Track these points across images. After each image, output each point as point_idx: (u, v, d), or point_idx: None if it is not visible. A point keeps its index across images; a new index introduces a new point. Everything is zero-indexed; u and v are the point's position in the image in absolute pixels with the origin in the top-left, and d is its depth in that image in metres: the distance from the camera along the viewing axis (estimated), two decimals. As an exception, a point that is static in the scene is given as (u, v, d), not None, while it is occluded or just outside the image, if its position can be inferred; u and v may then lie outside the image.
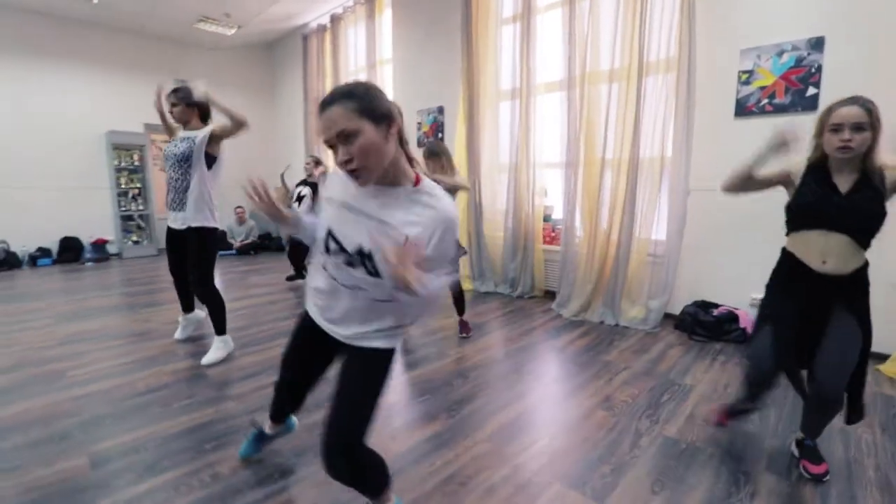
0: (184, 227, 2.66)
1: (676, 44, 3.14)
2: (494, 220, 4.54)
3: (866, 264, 1.60)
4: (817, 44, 2.75)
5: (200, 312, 3.16)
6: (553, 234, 4.22)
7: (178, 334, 3.11)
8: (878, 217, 1.51)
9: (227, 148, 2.76)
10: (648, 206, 3.38)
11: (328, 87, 6.53)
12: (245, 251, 6.74)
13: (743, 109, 3.06)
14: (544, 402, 2.30)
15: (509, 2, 4.19)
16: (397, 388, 2.42)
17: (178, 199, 2.65)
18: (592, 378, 2.53)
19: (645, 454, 1.83)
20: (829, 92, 2.71)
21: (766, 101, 2.96)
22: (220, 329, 2.76)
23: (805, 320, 1.62)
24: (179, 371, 2.61)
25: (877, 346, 1.74)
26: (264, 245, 7.04)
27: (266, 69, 7.94)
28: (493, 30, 4.31)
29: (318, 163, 4.54)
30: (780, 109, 2.91)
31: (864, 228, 1.54)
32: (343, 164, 1.09)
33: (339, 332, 1.28)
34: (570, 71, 3.73)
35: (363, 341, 1.26)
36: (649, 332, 3.28)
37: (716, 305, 3.23)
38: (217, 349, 2.74)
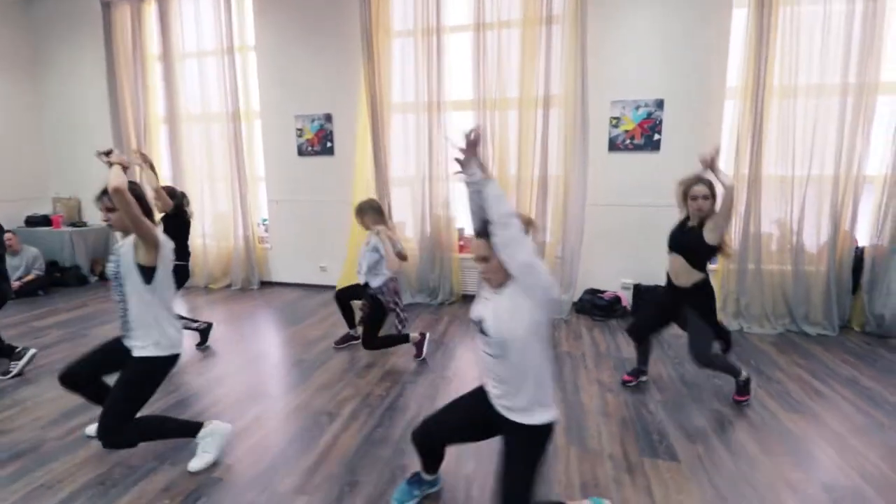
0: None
1: (572, 83, 3.92)
2: (405, 232, 4.67)
3: (705, 279, 2.55)
4: (660, 104, 3.95)
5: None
6: (462, 244, 4.65)
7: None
8: (697, 248, 2.46)
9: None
10: (552, 216, 4.18)
11: (151, 71, 5.18)
12: (28, 291, 4.80)
13: (614, 146, 4.11)
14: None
15: (415, 16, 4.25)
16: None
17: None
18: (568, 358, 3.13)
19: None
20: (667, 137, 3.97)
21: (628, 140, 4.07)
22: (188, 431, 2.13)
23: (664, 311, 2.74)
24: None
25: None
26: (55, 279, 5.14)
27: (21, 35, 5.61)
28: (397, 41, 4.36)
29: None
30: (637, 148, 4.06)
31: (689, 254, 2.49)
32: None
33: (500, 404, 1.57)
34: (479, 93, 4.17)
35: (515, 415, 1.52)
36: (564, 320, 4.12)
37: (601, 291, 4.28)
38: (203, 451, 2.15)
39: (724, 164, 3.89)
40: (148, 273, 1.94)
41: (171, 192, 3.36)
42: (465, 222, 4.65)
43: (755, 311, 3.81)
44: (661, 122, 3.97)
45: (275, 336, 3.86)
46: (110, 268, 2.00)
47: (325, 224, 5.03)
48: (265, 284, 5.33)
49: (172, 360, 2.05)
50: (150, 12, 5.04)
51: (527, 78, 4.03)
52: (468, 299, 4.62)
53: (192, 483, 1.99)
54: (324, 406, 2.64)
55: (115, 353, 2.04)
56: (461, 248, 4.63)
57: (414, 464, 1.99)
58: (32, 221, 5.47)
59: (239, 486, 1.98)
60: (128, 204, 1.80)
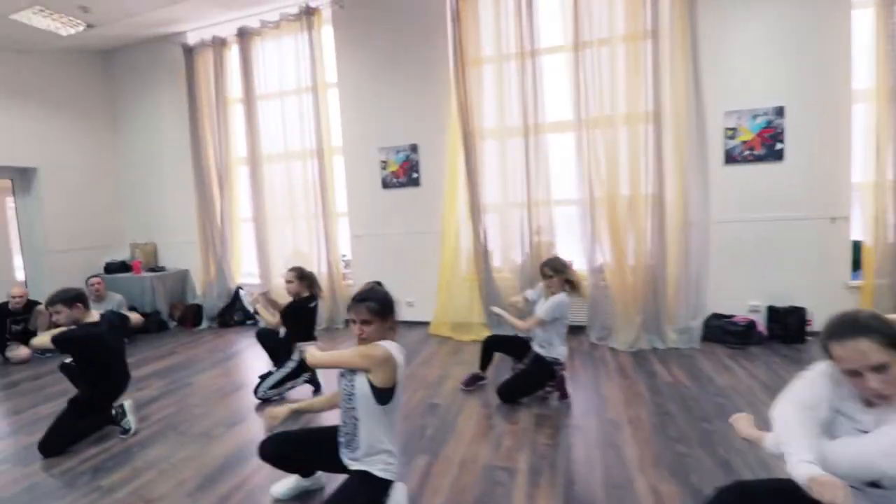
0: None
1: (682, 96, 3.74)
2: (504, 259, 4.44)
3: None
4: (780, 111, 3.73)
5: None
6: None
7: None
8: None
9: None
10: (671, 236, 3.90)
11: (232, 113, 5.20)
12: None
13: (731, 158, 3.87)
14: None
15: (503, 40, 4.18)
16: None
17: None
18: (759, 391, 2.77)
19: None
20: (791, 146, 3.71)
21: (747, 151, 3.83)
22: None
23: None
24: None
25: None
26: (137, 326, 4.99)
27: (102, 84, 5.75)
28: (488, 65, 4.26)
29: (302, 277, 3.45)
30: (758, 159, 3.81)
31: None
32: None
33: None
34: (578, 113, 4.01)
35: None
36: (695, 349, 3.77)
37: (727, 316, 3.93)
38: None
39: (858, 170, 3.63)
40: (384, 395, 1.78)
41: (301, 275, 3.43)
42: (565, 248, 4.40)
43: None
44: (782, 130, 3.73)
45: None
46: (344, 386, 1.83)
47: (411, 257, 4.83)
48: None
49: (388, 487, 1.84)
50: (232, 56, 5.11)
51: (632, 93, 3.87)
52: (573, 329, 4.30)
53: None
54: (492, 459, 2.33)
55: (328, 445, 1.92)
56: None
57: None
58: (112, 268, 5.40)
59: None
60: (341, 363, 1.89)
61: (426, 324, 4.79)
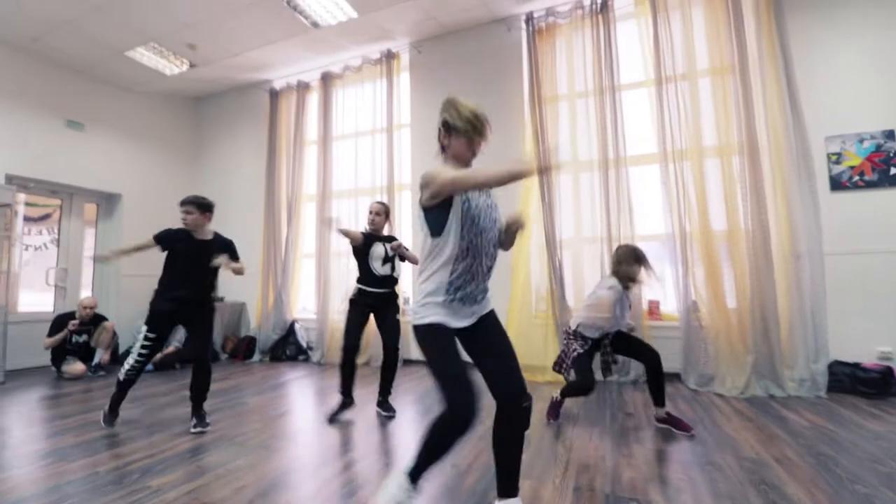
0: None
1: (779, 125, 3.56)
2: (577, 297, 4.09)
3: None
4: (890, 134, 3.47)
5: None
6: (651, 310, 3.98)
7: None
8: None
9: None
10: (780, 270, 3.49)
11: (308, 152, 5.45)
12: (165, 364, 4.48)
13: (838, 184, 3.56)
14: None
15: (588, 77, 4.22)
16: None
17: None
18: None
19: None
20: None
21: (857, 177, 3.52)
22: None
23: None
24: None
25: None
26: (187, 355, 4.85)
27: (192, 125, 6.29)
28: (564, 102, 4.30)
29: (388, 213, 3.22)
30: (870, 185, 3.48)
31: None
32: None
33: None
34: (664, 146, 3.87)
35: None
36: (821, 397, 3.17)
37: (853, 364, 3.34)
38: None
39: None
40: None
41: (388, 212, 3.24)
42: (651, 286, 4.02)
43: None
44: (894, 153, 3.43)
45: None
46: (492, 212, 1.69)
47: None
48: (407, 363, 4.75)
49: None
50: (313, 99, 5.47)
51: (721, 125, 3.73)
52: (670, 377, 3.77)
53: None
54: (615, 489, 1.87)
55: None
56: (650, 314, 3.95)
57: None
58: (174, 297, 5.41)
59: None
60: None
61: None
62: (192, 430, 2.61)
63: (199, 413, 2.71)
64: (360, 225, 4.93)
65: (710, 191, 3.74)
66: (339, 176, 5.22)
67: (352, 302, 3.06)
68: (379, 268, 3.04)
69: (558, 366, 2.80)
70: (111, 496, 1.85)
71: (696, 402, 3.20)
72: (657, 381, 2.56)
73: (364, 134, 5.16)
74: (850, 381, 3.24)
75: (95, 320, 4.38)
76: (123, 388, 2.74)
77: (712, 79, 3.83)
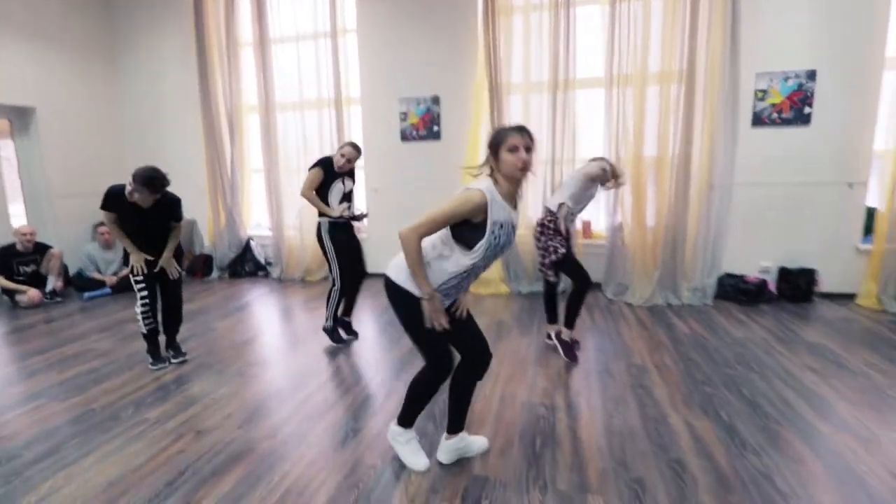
0: None
1: (718, 56, 3.70)
2: (522, 215, 4.45)
3: None
4: (812, 74, 3.72)
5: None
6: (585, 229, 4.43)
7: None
8: None
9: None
10: (695, 198, 3.94)
11: (244, 58, 4.97)
12: (125, 286, 4.58)
13: (759, 120, 3.87)
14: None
15: None
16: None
17: None
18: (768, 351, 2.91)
19: None
20: (819, 110, 3.73)
21: (776, 115, 3.83)
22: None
23: None
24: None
25: None
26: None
27: (105, 27, 5.41)
28: (518, 16, 4.12)
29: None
30: (786, 122, 3.82)
31: None
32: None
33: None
34: (610, 70, 3.94)
35: None
36: (708, 305, 3.90)
37: (738, 275, 4.04)
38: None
39: (881, 138, 3.68)
40: None
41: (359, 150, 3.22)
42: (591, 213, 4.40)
43: (924, 292, 3.59)
44: (812, 94, 3.73)
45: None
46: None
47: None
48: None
49: None
50: (244, -3, 4.83)
51: (667, 51, 3.81)
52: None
53: (459, 481, 1.78)
54: (530, 397, 2.42)
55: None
56: (584, 233, 4.42)
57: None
58: (117, 216, 5.25)
59: (511, 485, 1.76)
60: None
61: (441, 279, 4.84)
62: (172, 360, 2.91)
63: (174, 345, 2.99)
64: (308, 140, 4.85)
65: (648, 119, 3.96)
66: (282, 86, 4.89)
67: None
68: (335, 204, 3.15)
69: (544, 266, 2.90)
70: (115, 431, 2.18)
71: (609, 311, 3.84)
72: (578, 303, 2.94)
73: (306, 38, 4.74)
74: (733, 290, 3.96)
75: (39, 248, 4.29)
76: (151, 337, 2.89)
77: (665, 1, 3.79)
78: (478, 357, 1.83)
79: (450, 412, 1.89)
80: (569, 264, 2.85)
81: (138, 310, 2.82)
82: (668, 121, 3.90)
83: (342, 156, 3.05)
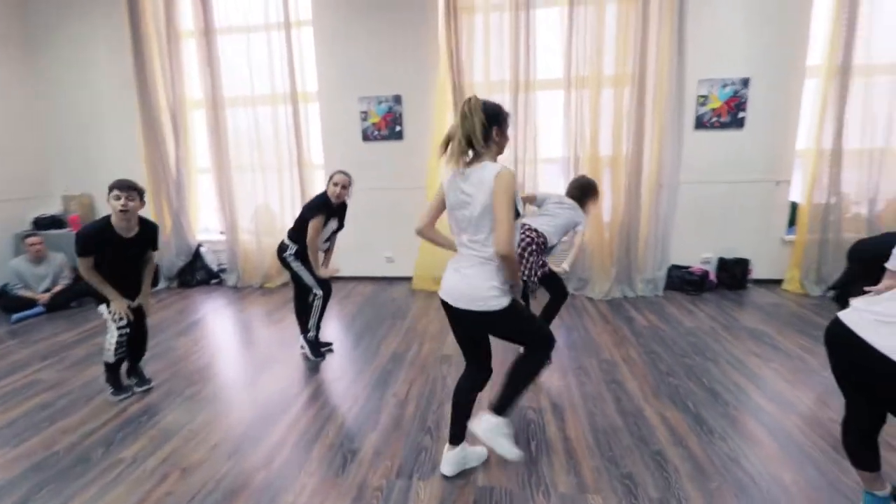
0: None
1: (666, 61, 3.94)
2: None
3: None
4: (746, 82, 4.07)
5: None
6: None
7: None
8: None
9: None
10: (646, 196, 4.22)
11: (187, 48, 4.57)
12: (59, 304, 4.14)
13: (700, 123, 4.20)
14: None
15: None
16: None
17: None
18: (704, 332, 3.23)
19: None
20: (751, 115, 4.10)
21: (715, 119, 4.17)
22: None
23: None
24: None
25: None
26: (83, 289, 4.47)
27: (17, 14, 4.70)
28: (479, 16, 4.13)
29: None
30: (723, 126, 4.17)
31: None
32: None
33: None
34: (568, 72, 4.09)
35: None
36: (659, 296, 4.23)
37: (684, 267, 4.42)
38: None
39: (803, 139, 4.13)
40: None
41: None
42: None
43: (835, 277, 4.10)
44: (746, 100, 4.10)
45: (397, 334, 3.58)
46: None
47: (392, 212, 4.75)
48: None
49: None
50: (182, -19, 4.42)
51: (621, 55, 4.00)
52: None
53: (466, 494, 1.85)
54: (523, 401, 2.53)
55: None
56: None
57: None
58: (42, 223, 4.70)
59: (516, 493, 1.86)
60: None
61: (408, 279, 4.84)
62: (136, 389, 2.71)
63: (137, 371, 2.78)
64: (262, 137, 4.59)
65: (603, 120, 4.16)
66: (231, 79, 4.57)
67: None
68: (322, 245, 3.04)
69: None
70: (88, 476, 2.01)
71: (573, 306, 4.05)
72: (555, 312, 3.02)
73: (258, 29, 4.44)
74: (679, 281, 4.32)
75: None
76: (115, 366, 2.63)
77: (618, 6, 3.96)
78: (485, 364, 1.92)
79: (452, 422, 1.95)
80: (551, 279, 2.96)
81: (112, 340, 2.56)
82: (621, 122, 4.13)
83: (335, 184, 2.90)
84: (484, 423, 1.83)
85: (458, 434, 1.94)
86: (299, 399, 2.63)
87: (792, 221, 4.29)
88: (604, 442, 2.16)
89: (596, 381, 2.73)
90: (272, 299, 4.49)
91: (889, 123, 3.84)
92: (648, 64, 3.97)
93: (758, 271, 4.38)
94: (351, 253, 4.86)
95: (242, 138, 4.67)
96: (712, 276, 4.36)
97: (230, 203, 4.80)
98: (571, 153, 4.21)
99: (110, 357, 2.59)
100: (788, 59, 3.99)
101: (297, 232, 2.95)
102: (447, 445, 1.97)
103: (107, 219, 2.41)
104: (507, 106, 4.09)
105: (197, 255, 4.91)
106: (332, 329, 3.67)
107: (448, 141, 1.70)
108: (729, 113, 4.14)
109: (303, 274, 3.01)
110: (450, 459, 1.95)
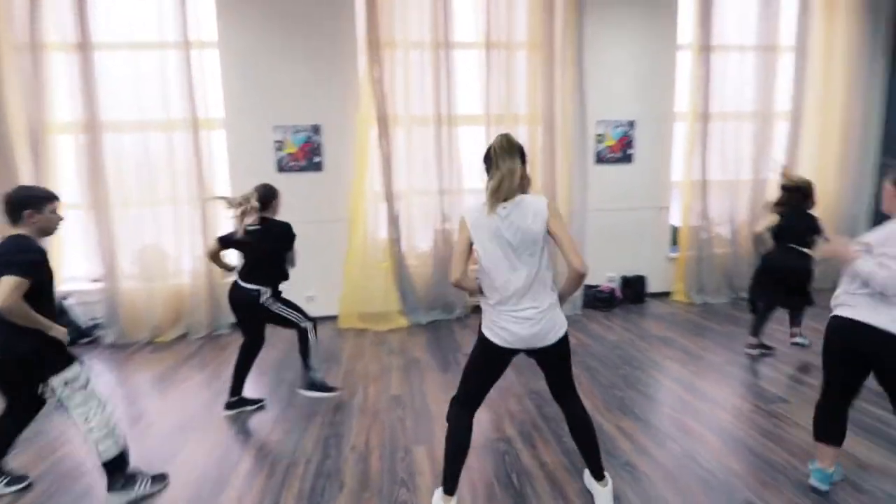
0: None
1: (570, 104, 4.41)
2: (416, 248, 4.50)
3: None
4: (632, 124, 4.72)
5: None
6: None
7: None
8: None
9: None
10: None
11: (53, 62, 3.82)
12: None
13: (599, 158, 4.73)
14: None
15: (424, 28, 4.18)
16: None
17: None
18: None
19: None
20: (637, 152, 4.76)
21: (610, 154, 4.75)
22: None
23: None
24: None
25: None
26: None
27: None
28: (399, 51, 4.19)
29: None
30: (616, 161, 4.74)
31: None
32: None
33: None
34: (488, 109, 4.36)
35: None
36: (578, 314, 4.56)
37: (594, 286, 4.85)
38: None
39: (677, 172, 4.91)
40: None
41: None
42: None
43: (711, 287, 4.86)
44: (633, 139, 4.77)
45: (335, 380, 3.24)
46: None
47: (313, 247, 4.40)
48: (236, 326, 4.42)
49: None
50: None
51: (531, 97, 4.38)
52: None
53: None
54: (485, 433, 2.47)
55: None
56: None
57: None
58: None
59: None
60: None
61: (332, 318, 4.51)
62: (5, 490, 2.04)
63: (3, 468, 2.10)
64: (153, 167, 4.00)
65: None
66: (113, 101, 3.92)
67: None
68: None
69: None
70: None
71: (507, 331, 4.16)
72: None
73: (150, 46, 3.91)
74: (592, 299, 4.73)
75: None
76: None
77: (528, 53, 4.35)
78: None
79: (453, 470, 1.79)
80: None
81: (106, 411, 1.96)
82: (536, 157, 4.48)
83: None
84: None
85: (456, 483, 1.79)
86: (239, 469, 2.23)
87: (674, 241, 5.03)
88: (578, 461, 2.18)
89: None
90: (167, 356, 3.80)
91: (738, 159, 4.78)
92: (556, 105, 4.40)
93: (652, 286, 5.01)
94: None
95: (126, 168, 4.01)
96: (618, 293, 4.86)
97: (109, 244, 4.04)
98: (493, 184, 4.41)
99: (117, 441, 1.96)
100: (663, 106, 4.77)
101: (263, 271, 2.65)
102: (442, 496, 1.80)
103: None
104: (430, 139, 4.30)
105: (62, 311, 3.98)
106: (258, 383, 3.22)
107: (500, 182, 1.67)
108: (621, 149, 4.77)
109: (285, 313, 2.70)
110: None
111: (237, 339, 2.89)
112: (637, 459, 2.20)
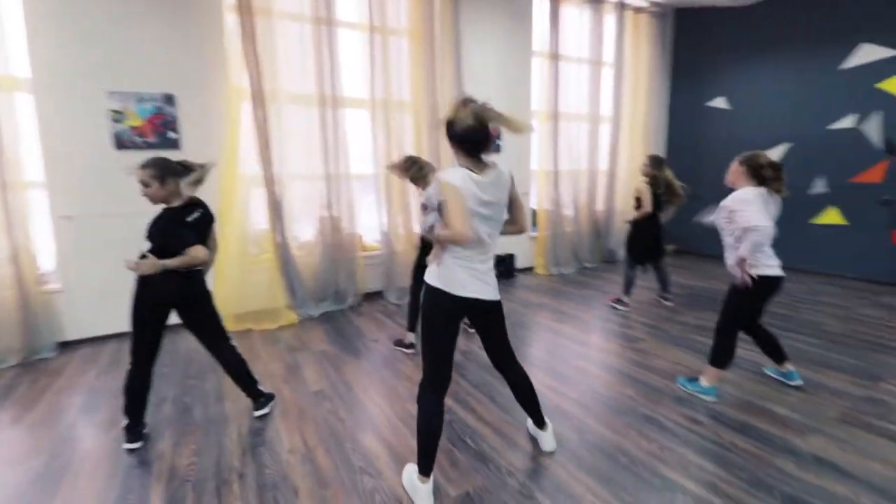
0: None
1: (451, 92, 4.62)
2: (299, 238, 4.16)
3: None
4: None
5: None
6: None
7: None
8: None
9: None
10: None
11: None
12: None
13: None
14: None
15: (304, 2, 3.86)
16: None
17: None
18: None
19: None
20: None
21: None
22: None
23: None
24: None
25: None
26: None
27: None
28: (279, 23, 3.79)
29: None
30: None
31: None
32: None
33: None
34: (373, 93, 4.30)
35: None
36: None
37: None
38: None
39: (535, 161, 5.60)
40: None
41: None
42: (363, 226, 4.57)
43: (563, 259, 5.73)
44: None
45: (231, 386, 2.81)
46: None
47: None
48: (67, 346, 3.41)
49: None
50: None
51: (416, 82, 4.46)
52: (371, 296, 4.61)
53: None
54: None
55: None
56: (362, 248, 4.56)
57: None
58: None
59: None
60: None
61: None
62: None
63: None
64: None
65: (406, 140, 4.51)
66: None
67: None
68: None
69: None
70: None
71: (400, 315, 4.18)
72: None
73: None
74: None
75: None
76: None
77: (410, 40, 4.41)
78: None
79: (430, 455, 1.80)
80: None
81: None
82: (422, 144, 4.58)
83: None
84: None
85: (433, 463, 1.80)
86: (153, 505, 1.81)
87: (534, 223, 5.76)
88: (517, 414, 2.40)
89: (470, 370, 2.98)
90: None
91: (578, 153, 5.72)
92: (437, 90, 4.55)
93: (519, 262, 5.66)
94: (99, 302, 3.52)
95: None
96: (494, 271, 5.34)
97: None
98: (382, 171, 4.35)
99: None
100: (521, 104, 5.38)
101: None
102: (419, 476, 1.79)
103: None
104: (314, 120, 4.02)
105: None
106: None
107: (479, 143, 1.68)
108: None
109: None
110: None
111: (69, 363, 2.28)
112: (558, 400, 2.54)
